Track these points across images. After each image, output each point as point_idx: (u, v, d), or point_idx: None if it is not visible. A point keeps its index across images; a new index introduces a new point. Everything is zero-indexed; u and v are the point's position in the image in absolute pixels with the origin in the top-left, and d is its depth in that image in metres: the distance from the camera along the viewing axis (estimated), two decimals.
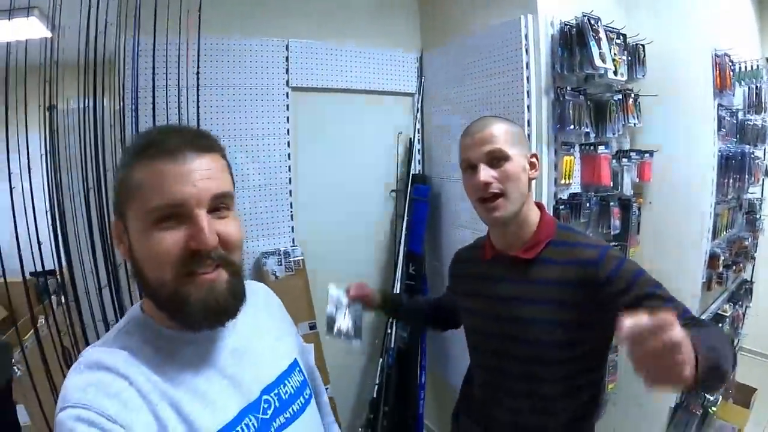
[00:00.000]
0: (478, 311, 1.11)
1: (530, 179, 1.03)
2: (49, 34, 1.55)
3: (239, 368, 0.68)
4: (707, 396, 2.22)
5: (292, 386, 0.75)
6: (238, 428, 0.63)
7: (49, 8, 1.48)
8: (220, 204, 0.62)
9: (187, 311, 0.60)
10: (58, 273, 1.61)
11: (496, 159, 0.98)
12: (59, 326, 1.61)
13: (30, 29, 1.55)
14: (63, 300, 1.61)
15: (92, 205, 1.54)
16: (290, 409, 0.72)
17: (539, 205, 1.07)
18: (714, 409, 2.31)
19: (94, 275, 1.59)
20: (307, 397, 0.77)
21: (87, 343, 1.56)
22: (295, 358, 0.80)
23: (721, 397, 2.40)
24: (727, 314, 2.34)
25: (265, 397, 0.69)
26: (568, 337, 0.96)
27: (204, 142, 0.64)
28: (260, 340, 0.74)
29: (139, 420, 0.55)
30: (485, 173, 0.97)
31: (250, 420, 0.65)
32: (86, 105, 1.55)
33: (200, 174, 0.60)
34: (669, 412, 2.19)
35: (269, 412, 0.68)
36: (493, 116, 1.05)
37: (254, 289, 0.82)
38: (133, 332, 0.64)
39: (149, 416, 0.56)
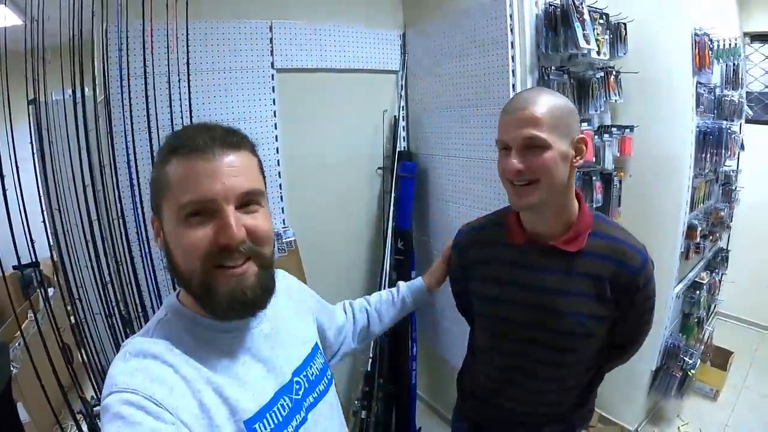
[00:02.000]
0: (508, 299, 1.03)
1: (573, 166, 0.93)
2: (19, 22, 1.50)
3: (272, 352, 0.72)
4: (686, 359, 2.35)
5: (317, 368, 0.80)
6: (275, 408, 0.67)
7: None
8: (250, 200, 0.65)
9: (216, 302, 0.63)
10: (51, 266, 1.61)
11: (533, 146, 0.88)
12: (57, 322, 1.61)
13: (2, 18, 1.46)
14: (61, 295, 1.61)
15: (90, 202, 1.53)
16: (317, 389, 0.77)
17: (578, 194, 0.99)
18: (693, 371, 2.43)
19: (91, 271, 1.59)
20: (329, 377, 0.82)
21: (83, 338, 1.58)
22: (316, 342, 0.85)
23: (699, 360, 2.53)
24: (704, 282, 2.45)
25: (296, 378, 0.74)
26: (596, 328, 0.97)
27: (233, 140, 0.65)
28: (286, 324, 0.78)
29: (184, 405, 0.58)
30: (517, 161, 0.88)
31: (285, 401, 0.69)
32: (73, 96, 1.51)
33: (229, 171, 0.62)
34: (650, 375, 2.32)
35: (300, 392, 0.73)
36: (540, 89, 0.96)
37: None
38: (172, 321, 0.67)
39: (193, 401, 0.59)
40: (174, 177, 0.62)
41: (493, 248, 1.06)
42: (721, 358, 2.82)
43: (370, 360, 2.03)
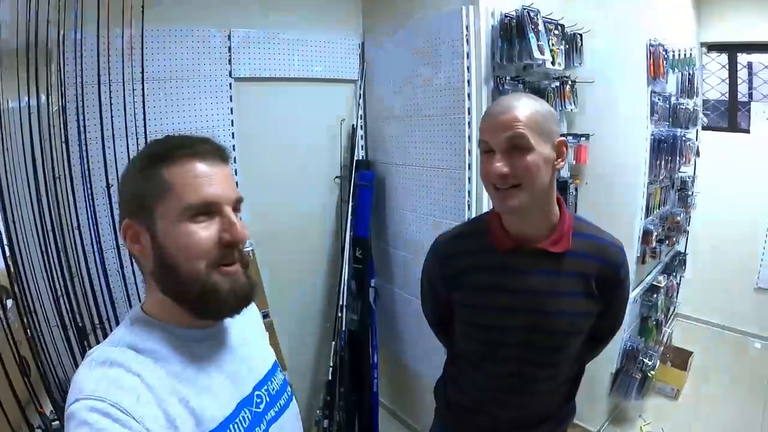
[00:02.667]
0: (498, 307, 1.01)
1: (555, 169, 0.94)
2: None
3: (235, 365, 0.73)
4: (645, 361, 2.41)
5: (277, 383, 0.81)
6: (237, 420, 0.68)
7: None
8: (236, 206, 0.70)
9: (219, 300, 0.66)
10: (7, 276, 1.57)
11: (518, 149, 0.88)
12: (14, 334, 1.58)
13: None
14: (17, 308, 1.58)
15: (45, 212, 1.49)
16: (278, 404, 0.78)
17: (557, 197, 1.00)
18: (653, 373, 2.49)
19: (46, 282, 1.53)
20: (290, 393, 0.83)
21: (45, 351, 1.53)
22: (275, 360, 0.86)
23: (659, 361, 2.60)
24: (662, 285, 2.52)
25: (257, 392, 0.75)
26: (584, 325, 1.00)
27: (224, 153, 0.71)
28: (249, 339, 0.80)
29: (151, 414, 0.58)
30: (501, 164, 0.88)
31: (245, 413, 0.70)
32: (28, 104, 1.47)
33: (224, 178, 0.68)
34: (610, 377, 2.37)
35: (261, 406, 0.74)
36: (522, 93, 0.98)
37: None
38: (138, 331, 0.67)
39: (159, 411, 0.59)
40: (177, 179, 0.64)
41: (478, 256, 1.04)
42: (680, 359, 2.90)
43: (331, 369, 2.03)
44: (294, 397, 0.85)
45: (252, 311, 0.88)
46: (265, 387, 0.77)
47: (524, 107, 0.89)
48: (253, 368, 0.77)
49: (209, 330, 0.72)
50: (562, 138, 0.95)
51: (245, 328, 0.80)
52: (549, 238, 0.96)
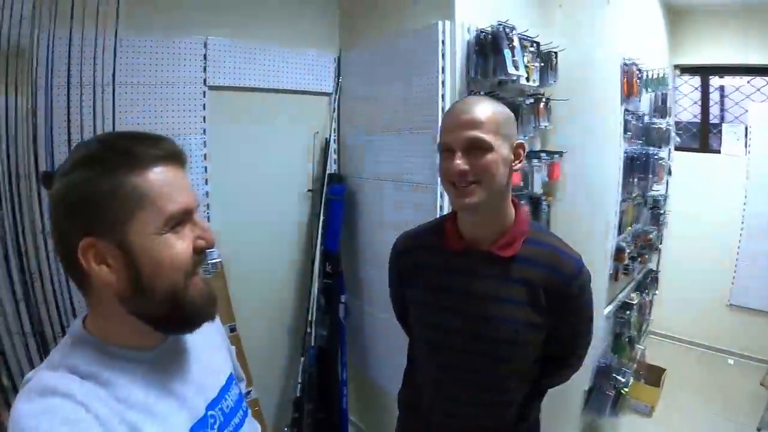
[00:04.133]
0: (443, 307, 1.02)
1: (512, 170, 0.97)
2: None
3: (185, 387, 0.68)
4: (618, 378, 2.41)
5: (231, 399, 0.77)
6: None
7: None
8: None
9: (195, 311, 0.64)
10: None
11: (477, 148, 0.90)
12: None
13: None
14: None
15: (7, 214, 1.45)
16: (233, 422, 0.74)
17: (514, 201, 1.02)
18: (626, 390, 2.50)
19: (5, 287, 1.49)
20: (245, 408, 0.80)
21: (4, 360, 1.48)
22: (231, 372, 0.82)
23: (632, 378, 2.61)
24: (635, 302, 2.54)
25: (210, 412, 0.70)
26: (529, 337, 0.98)
27: (184, 153, 0.66)
28: (200, 356, 0.75)
29: None
30: (461, 162, 0.90)
31: None
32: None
33: (188, 182, 0.65)
34: (583, 395, 2.36)
35: (215, 426, 0.70)
36: (482, 97, 0.99)
37: None
38: (81, 352, 0.61)
39: None
40: (153, 187, 0.59)
41: (429, 254, 1.06)
42: (654, 376, 2.93)
43: (299, 386, 1.98)
44: (249, 413, 0.81)
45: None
46: (219, 405, 0.73)
47: (484, 109, 0.92)
48: (205, 387, 0.73)
49: (159, 349, 0.67)
50: (521, 141, 0.98)
51: (197, 341, 0.76)
52: (498, 241, 0.97)
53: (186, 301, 0.62)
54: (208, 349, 0.79)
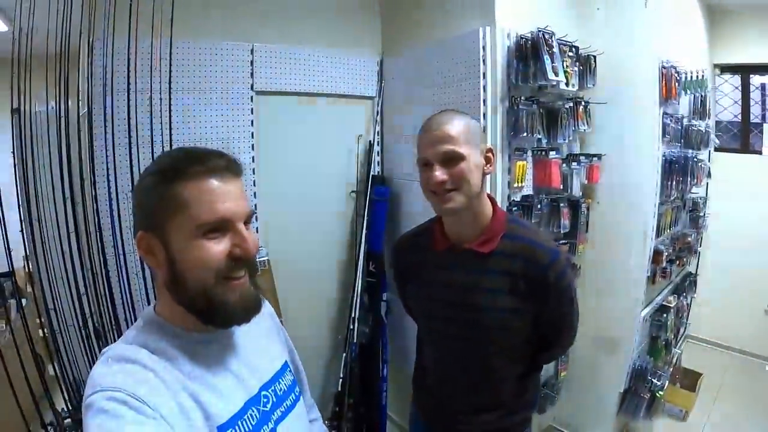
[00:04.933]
0: (434, 298, 1.17)
1: (485, 174, 1.07)
2: (5, 28, 1.52)
3: (241, 366, 0.77)
4: (654, 381, 2.39)
5: (285, 384, 0.85)
6: (245, 417, 0.72)
7: (17, 5, 1.47)
8: (248, 220, 0.73)
9: (227, 311, 0.70)
10: (24, 276, 1.61)
11: (451, 159, 1.01)
12: (31, 332, 1.61)
13: None
14: (35, 306, 1.62)
15: (69, 215, 1.55)
16: (284, 404, 0.83)
17: (491, 199, 1.13)
18: (661, 393, 2.47)
19: (66, 282, 1.60)
20: (297, 394, 0.88)
21: (57, 349, 1.59)
22: (286, 360, 0.90)
23: (668, 382, 2.58)
24: (672, 305, 2.50)
25: (264, 392, 0.79)
26: (513, 320, 1.09)
27: (237, 167, 0.73)
28: (256, 343, 0.84)
29: (165, 404, 0.62)
30: (440, 173, 1.01)
31: (253, 411, 0.74)
32: (57, 108, 1.54)
33: (237, 194, 0.71)
34: (618, 397, 2.36)
35: (268, 405, 0.78)
36: (450, 111, 1.09)
37: None
38: (150, 332, 0.71)
39: (172, 401, 0.64)
40: (192, 196, 0.67)
41: (424, 253, 1.19)
42: (690, 380, 2.88)
43: (341, 380, 2.04)
44: (301, 398, 0.89)
45: (263, 313, 0.91)
46: (272, 387, 0.81)
47: (455, 124, 1.03)
48: (260, 369, 0.81)
49: (217, 333, 0.75)
50: (490, 146, 1.10)
51: (252, 330, 0.83)
52: (478, 239, 1.09)
53: (217, 300, 0.68)
54: (262, 338, 0.87)
